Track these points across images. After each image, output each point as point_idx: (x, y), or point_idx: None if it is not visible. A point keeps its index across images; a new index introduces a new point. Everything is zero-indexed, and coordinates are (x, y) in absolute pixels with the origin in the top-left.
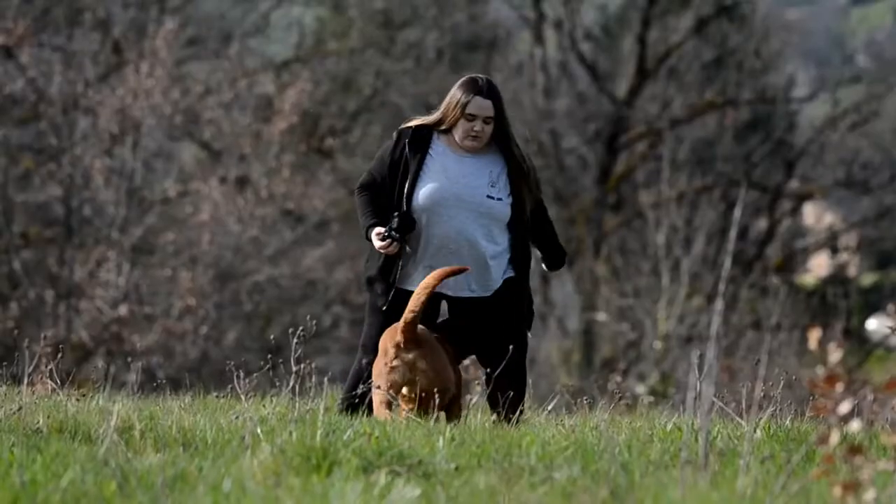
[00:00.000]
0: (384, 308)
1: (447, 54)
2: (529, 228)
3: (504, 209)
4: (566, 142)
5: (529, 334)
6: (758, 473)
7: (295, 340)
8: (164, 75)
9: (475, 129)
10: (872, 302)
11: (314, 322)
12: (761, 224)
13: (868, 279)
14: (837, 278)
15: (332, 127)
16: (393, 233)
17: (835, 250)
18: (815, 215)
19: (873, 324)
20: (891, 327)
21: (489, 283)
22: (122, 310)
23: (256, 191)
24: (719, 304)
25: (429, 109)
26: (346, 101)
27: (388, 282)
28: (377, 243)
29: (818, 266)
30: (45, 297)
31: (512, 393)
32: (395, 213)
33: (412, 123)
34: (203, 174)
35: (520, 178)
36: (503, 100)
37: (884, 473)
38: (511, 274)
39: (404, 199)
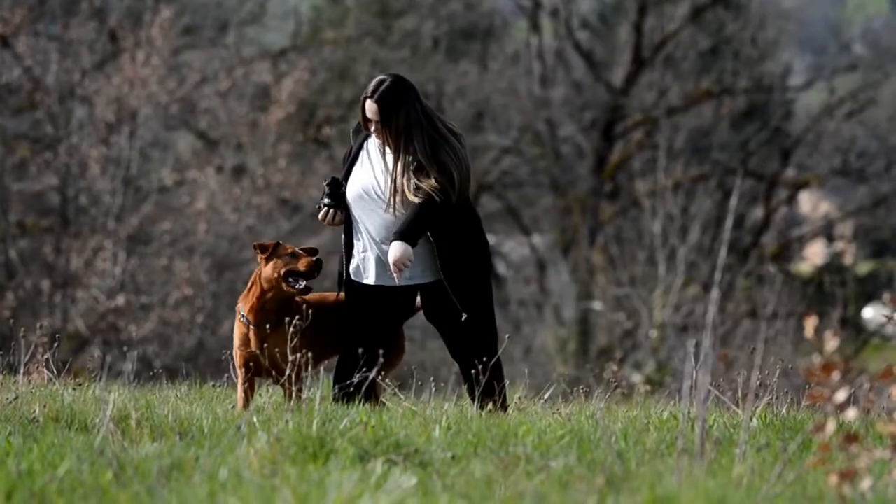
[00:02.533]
0: (341, 296)
1: (444, 43)
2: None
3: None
4: (562, 130)
5: (464, 318)
6: (754, 462)
7: (291, 330)
8: (160, 64)
9: (372, 129)
10: (869, 290)
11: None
12: (757, 212)
13: (864, 267)
14: (834, 267)
15: (329, 116)
16: (324, 201)
17: (831, 239)
18: (812, 204)
19: (869, 312)
20: (887, 316)
21: (425, 269)
22: (119, 299)
23: (253, 180)
24: (715, 293)
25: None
26: (342, 90)
27: (339, 271)
28: (319, 217)
29: (814, 254)
30: (42, 286)
31: (486, 377)
32: (325, 183)
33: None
34: (199, 163)
35: (402, 178)
36: (399, 100)
37: (880, 462)
38: (444, 258)
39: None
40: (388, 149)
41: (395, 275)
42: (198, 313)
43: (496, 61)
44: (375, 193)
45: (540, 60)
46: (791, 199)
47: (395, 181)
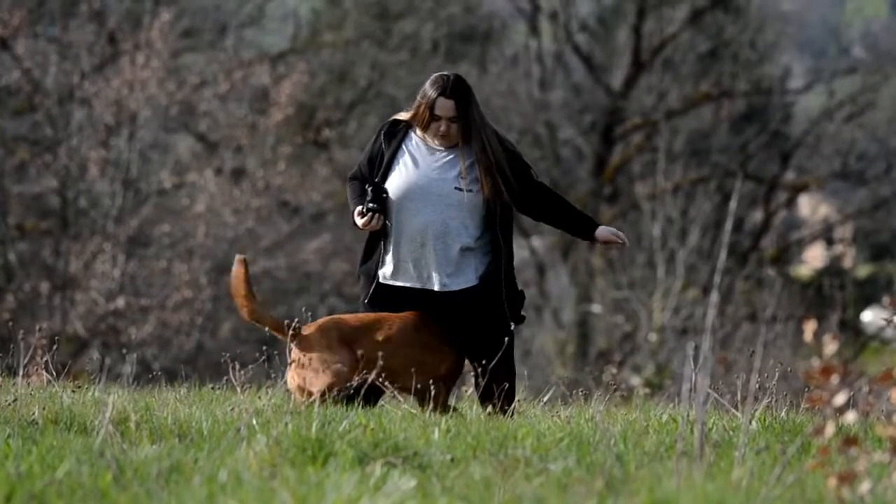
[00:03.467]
0: (366, 301)
1: (443, 46)
2: (510, 220)
3: (474, 200)
4: (562, 133)
5: (514, 326)
6: (753, 465)
7: (290, 332)
8: (159, 66)
9: (441, 128)
10: (868, 294)
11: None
12: (757, 215)
13: (864, 271)
14: (833, 270)
15: (328, 118)
16: (369, 205)
17: (830, 242)
18: (811, 207)
19: (869, 316)
20: (886, 319)
21: (464, 276)
22: (118, 301)
23: (252, 182)
24: (715, 296)
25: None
26: (341, 92)
27: (367, 274)
28: (359, 222)
29: (814, 258)
30: (41, 288)
31: (498, 388)
32: (368, 187)
33: (394, 117)
34: (199, 166)
35: (488, 172)
36: (471, 96)
37: (879, 465)
38: (490, 267)
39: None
40: (448, 147)
41: (622, 239)
42: (197, 316)
43: (495, 64)
44: (429, 192)
45: (539, 63)
46: (790, 202)
47: (483, 163)
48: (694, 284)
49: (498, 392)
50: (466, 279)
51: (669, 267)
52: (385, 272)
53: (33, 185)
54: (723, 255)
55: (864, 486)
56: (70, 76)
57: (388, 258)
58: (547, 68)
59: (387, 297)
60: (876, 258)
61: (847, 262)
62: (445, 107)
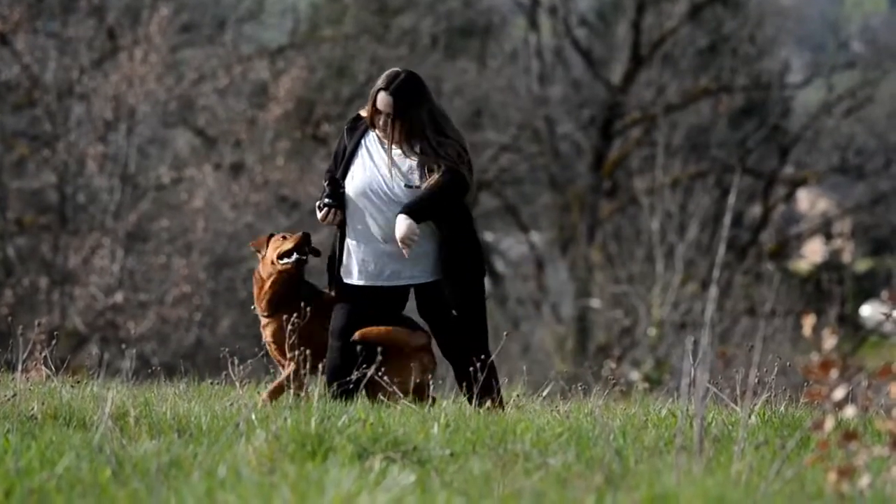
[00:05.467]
0: (333, 295)
1: (442, 40)
2: (466, 214)
3: None
4: (561, 128)
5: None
6: (752, 459)
7: (289, 327)
8: (158, 61)
9: (380, 123)
10: (867, 288)
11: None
12: (755, 210)
13: (862, 265)
14: (832, 264)
15: (327, 113)
16: (325, 200)
17: (829, 236)
18: (810, 201)
19: (867, 310)
20: (885, 313)
21: (424, 269)
22: (117, 297)
23: (251, 177)
24: (714, 291)
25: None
26: (340, 87)
27: (330, 272)
28: (319, 216)
29: (812, 252)
30: (40, 283)
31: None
32: (324, 182)
33: (358, 112)
34: (198, 161)
35: (430, 170)
36: (416, 95)
37: (878, 459)
38: (443, 255)
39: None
40: (394, 144)
41: (404, 251)
42: (196, 311)
43: (495, 59)
44: (381, 190)
45: (538, 58)
46: (789, 197)
47: (427, 167)
48: (693, 279)
49: (481, 380)
50: (431, 270)
51: (668, 261)
52: (347, 272)
53: (32, 180)
54: (722, 249)
55: (864, 481)
56: (69, 71)
57: (345, 255)
58: (546, 63)
59: (349, 293)
60: (875, 252)
61: (846, 257)
62: (385, 102)
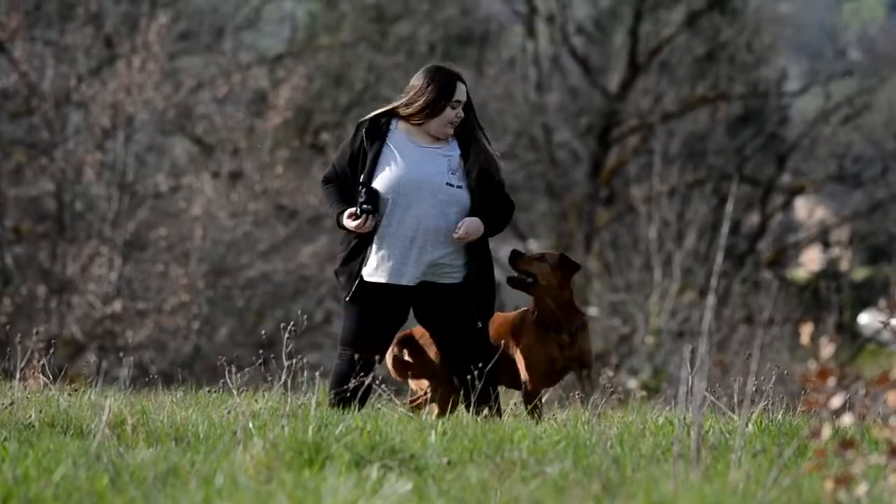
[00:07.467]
0: (347, 299)
1: (439, 48)
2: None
3: (464, 197)
4: (558, 136)
5: (480, 324)
6: (750, 467)
7: (287, 335)
8: (156, 69)
9: (459, 115)
10: (864, 296)
11: (306, 317)
12: (753, 218)
13: (860, 273)
14: (829, 272)
15: (325, 122)
16: (364, 206)
17: (827, 244)
18: (807, 209)
19: (865, 318)
20: (883, 322)
21: (451, 271)
22: (115, 305)
23: (249, 186)
24: (711, 299)
25: None
26: (338, 95)
27: (349, 273)
28: (351, 224)
29: (810, 260)
30: (38, 292)
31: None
32: (361, 188)
33: (374, 113)
34: (196, 169)
35: (480, 166)
36: None
37: (875, 467)
38: (473, 262)
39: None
40: (453, 137)
41: (456, 234)
42: (194, 319)
43: (492, 67)
44: (418, 187)
45: (536, 66)
46: (787, 205)
47: (476, 157)
48: (690, 287)
49: (480, 391)
50: (457, 273)
51: (666, 270)
52: (368, 270)
53: (30, 188)
54: (719, 257)
55: (861, 489)
56: (67, 79)
57: (372, 255)
58: (543, 71)
59: (369, 295)
60: (872, 261)
61: (843, 265)
62: (463, 91)
